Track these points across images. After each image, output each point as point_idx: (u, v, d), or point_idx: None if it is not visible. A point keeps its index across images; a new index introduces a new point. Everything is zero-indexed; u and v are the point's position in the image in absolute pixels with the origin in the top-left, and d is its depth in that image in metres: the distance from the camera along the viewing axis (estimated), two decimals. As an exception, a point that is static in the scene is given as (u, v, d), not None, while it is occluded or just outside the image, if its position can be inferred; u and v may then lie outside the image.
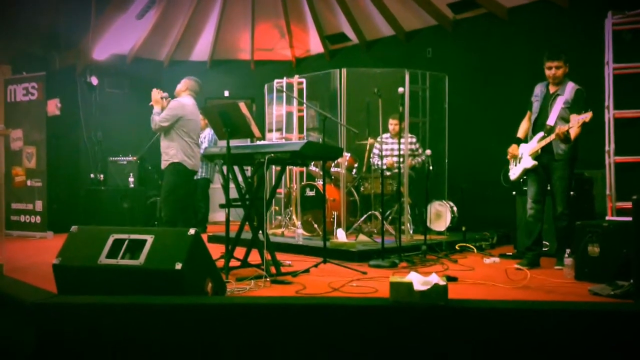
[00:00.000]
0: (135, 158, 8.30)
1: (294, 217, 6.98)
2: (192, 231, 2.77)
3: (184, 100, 5.27)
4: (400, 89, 5.06)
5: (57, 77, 8.14)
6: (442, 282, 2.39)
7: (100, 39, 8.31)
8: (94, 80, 8.63)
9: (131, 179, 8.28)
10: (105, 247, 2.74)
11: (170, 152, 5.13)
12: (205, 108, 4.59)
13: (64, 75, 8.48)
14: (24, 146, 7.68)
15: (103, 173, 8.45)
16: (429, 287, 2.36)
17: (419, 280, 2.40)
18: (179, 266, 2.61)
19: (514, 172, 4.95)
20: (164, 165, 5.21)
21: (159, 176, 8.67)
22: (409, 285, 2.39)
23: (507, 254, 5.43)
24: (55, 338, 2.48)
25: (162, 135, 5.28)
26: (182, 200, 5.32)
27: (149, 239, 2.74)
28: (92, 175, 8.50)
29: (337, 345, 2.41)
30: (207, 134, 7.69)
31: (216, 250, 4.95)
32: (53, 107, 8.10)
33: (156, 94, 5.27)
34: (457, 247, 5.78)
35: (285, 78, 7.59)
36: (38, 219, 7.49)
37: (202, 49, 9.57)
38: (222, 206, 4.48)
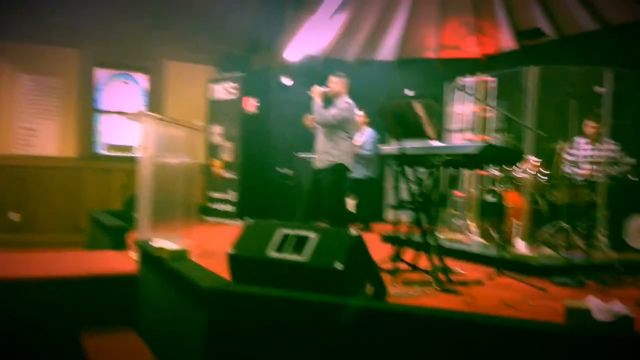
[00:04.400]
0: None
1: (471, 222, 6.68)
2: (354, 232, 2.77)
3: (352, 102, 5.42)
4: (599, 89, 4.55)
5: (253, 77, 8.79)
6: (628, 313, 2.07)
7: (293, 41, 8.78)
8: (287, 81, 9.16)
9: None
10: (273, 240, 2.87)
11: (335, 152, 5.33)
12: (381, 107, 4.59)
13: (260, 76, 9.13)
14: (223, 140, 8.43)
15: (290, 168, 8.95)
16: (611, 316, 2.06)
17: (600, 308, 2.11)
18: (338, 266, 2.63)
19: None
20: (324, 164, 5.39)
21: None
22: (587, 312, 2.11)
23: None
24: (225, 323, 2.66)
25: (322, 133, 5.45)
26: (343, 199, 5.47)
27: (314, 236, 2.81)
28: (280, 170, 9.04)
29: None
30: (368, 133, 7.71)
31: (386, 250, 4.95)
32: (250, 105, 8.78)
33: (318, 88, 5.52)
34: (661, 270, 5.02)
35: (468, 76, 7.28)
36: (232, 208, 8.18)
37: (388, 48, 9.61)
38: (392, 207, 4.45)
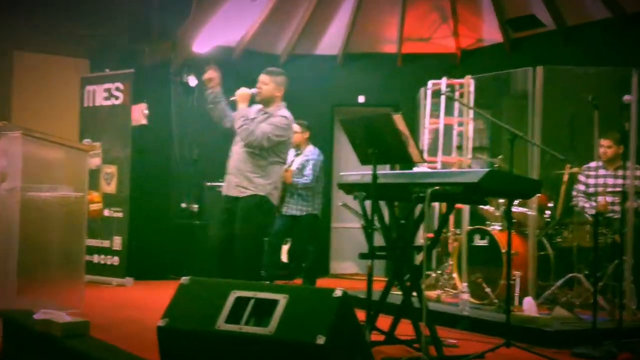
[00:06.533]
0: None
1: (455, 275, 6.86)
2: (339, 292, 2.80)
3: (291, 118, 5.41)
4: (627, 97, 4.86)
5: (146, 75, 8.67)
6: None
7: (203, 27, 8.79)
8: (192, 80, 9.12)
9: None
10: (224, 308, 2.84)
11: (257, 180, 5.26)
12: (346, 121, 4.67)
13: (154, 74, 9.04)
14: (103, 164, 8.23)
15: (197, 203, 8.86)
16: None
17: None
18: (321, 340, 2.64)
19: None
20: (240, 192, 5.27)
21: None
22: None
23: None
24: None
25: (240, 148, 5.35)
26: (262, 246, 5.49)
27: (282, 299, 2.81)
28: (183, 205, 8.93)
29: None
30: (310, 153, 7.75)
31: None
32: (139, 114, 8.64)
33: (245, 90, 5.35)
34: None
35: (444, 78, 7.56)
36: (116, 260, 7.96)
37: (332, 40, 9.83)
38: (363, 256, 4.51)
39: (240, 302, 2.87)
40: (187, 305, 2.98)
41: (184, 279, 3.10)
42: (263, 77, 5.39)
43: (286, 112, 5.39)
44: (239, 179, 5.27)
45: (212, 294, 2.94)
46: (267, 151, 5.26)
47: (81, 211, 5.00)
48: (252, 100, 5.40)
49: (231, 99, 5.35)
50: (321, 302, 2.79)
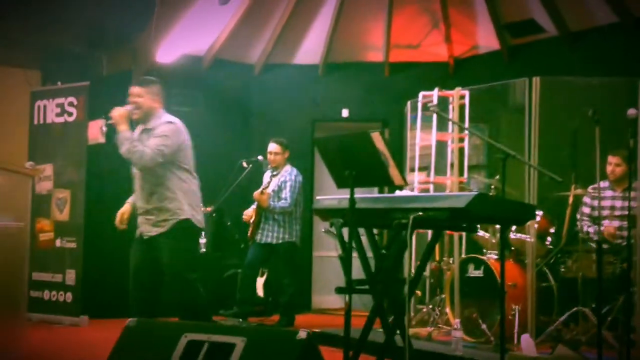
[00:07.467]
0: (209, 209, 8.59)
1: (447, 309, 6.86)
2: (302, 334, 2.80)
3: (177, 120, 5.37)
4: (631, 111, 4.89)
5: (104, 87, 8.65)
6: None
7: (167, 34, 8.81)
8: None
9: (202, 240, 8.56)
10: (175, 353, 2.83)
11: (171, 205, 5.23)
12: (321, 140, 4.68)
13: (113, 86, 9.01)
14: (55, 189, 8.19)
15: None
16: None
17: None
18: (282, 389, 2.64)
19: None
20: (160, 228, 5.25)
21: (241, 238, 8.91)
22: None
23: None
24: None
25: (141, 179, 5.32)
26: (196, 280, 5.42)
27: (239, 342, 2.80)
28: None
29: None
30: (287, 174, 7.76)
31: (326, 357, 4.93)
32: (96, 131, 8.61)
33: (120, 110, 5.23)
34: None
35: (437, 89, 7.58)
36: (69, 296, 7.89)
37: (312, 47, 9.87)
38: (340, 291, 4.50)
39: (193, 347, 2.86)
40: (133, 351, 2.97)
41: (131, 321, 3.08)
42: (135, 90, 5.32)
43: (168, 117, 5.37)
44: (154, 214, 5.27)
45: (160, 338, 2.93)
46: (166, 168, 5.22)
47: (23, 243, 4.96)
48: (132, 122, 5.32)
49: (108, 122, 5.24)
50: (283, 346, 2.79)
